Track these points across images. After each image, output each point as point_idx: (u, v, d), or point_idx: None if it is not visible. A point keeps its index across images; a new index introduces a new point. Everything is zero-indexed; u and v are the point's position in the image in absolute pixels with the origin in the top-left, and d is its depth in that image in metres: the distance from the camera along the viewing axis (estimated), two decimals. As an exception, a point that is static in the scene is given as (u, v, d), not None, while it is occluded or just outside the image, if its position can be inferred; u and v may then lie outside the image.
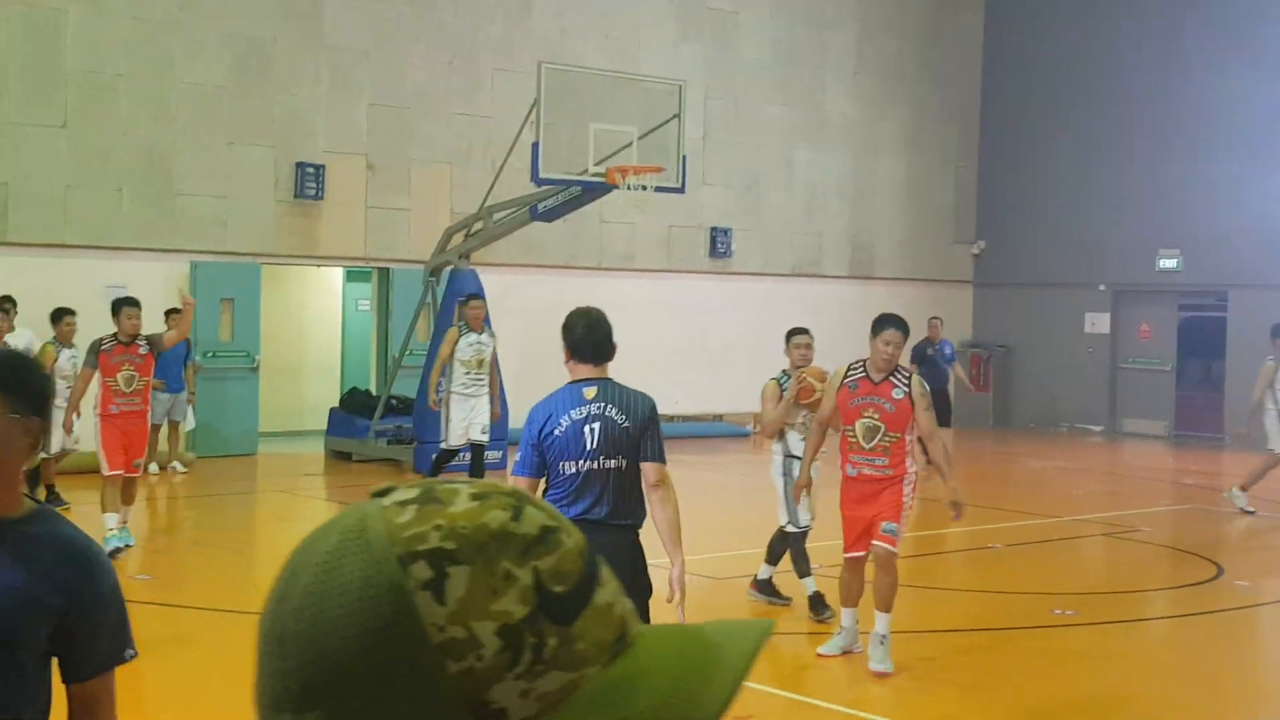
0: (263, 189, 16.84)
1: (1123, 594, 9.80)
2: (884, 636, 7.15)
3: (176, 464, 14.88)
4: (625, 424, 5.15)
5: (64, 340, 12.45)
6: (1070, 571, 10.92)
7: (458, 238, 16.22)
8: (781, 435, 8.78)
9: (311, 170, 17.06)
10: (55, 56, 15.48)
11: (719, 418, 20.60)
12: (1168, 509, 14.64)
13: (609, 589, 0.88)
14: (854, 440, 7.39)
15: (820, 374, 8.45)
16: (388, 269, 18.07)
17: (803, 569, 8.46)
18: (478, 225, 16.04)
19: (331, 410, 17.39)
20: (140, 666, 7.43)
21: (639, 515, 5.24)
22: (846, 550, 7.43)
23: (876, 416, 7.33)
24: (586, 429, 5.15)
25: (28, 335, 13.22)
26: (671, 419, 18.39)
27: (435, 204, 18.03)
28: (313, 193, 17.11)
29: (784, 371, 8.90)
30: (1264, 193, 20.76)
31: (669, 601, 5.14)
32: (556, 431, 5.22)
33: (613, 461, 5.15)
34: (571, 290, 19.75)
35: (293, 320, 19.68)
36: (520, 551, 0.85)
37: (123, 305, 10.57)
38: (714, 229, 21.33)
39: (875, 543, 7.20)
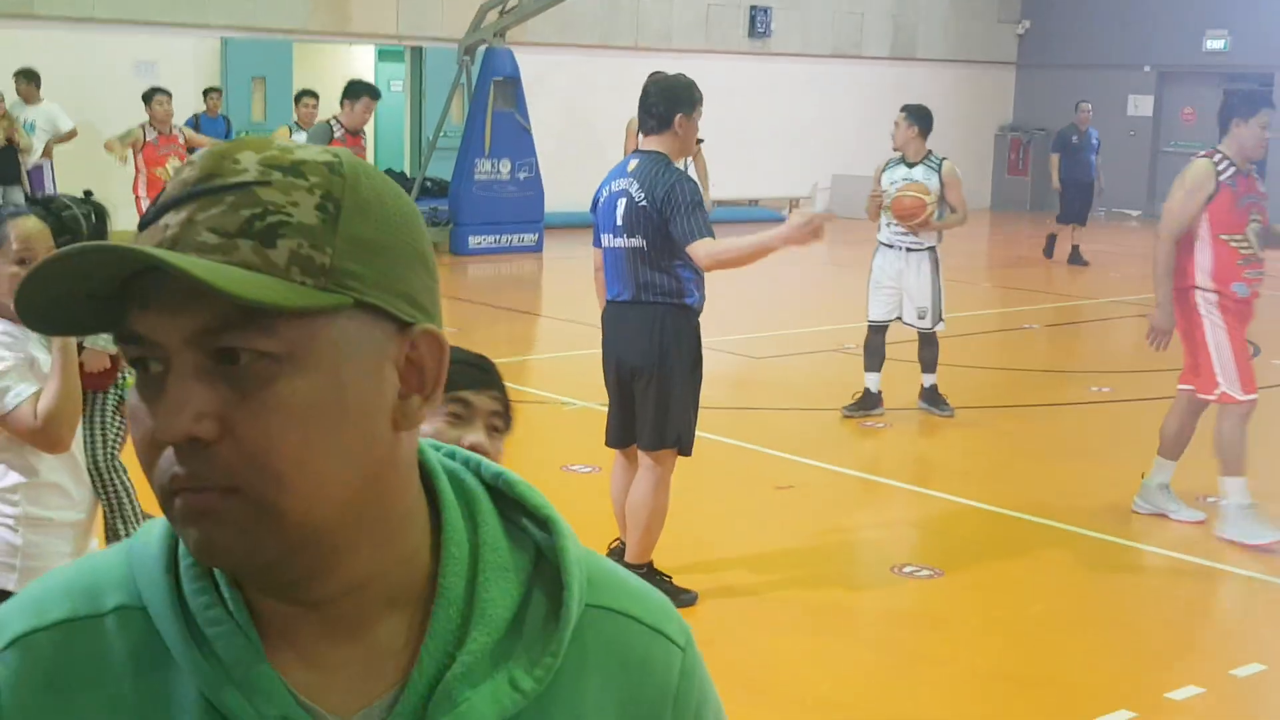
0: (294, -37, 16.50)
1: (1157, 372, 9.87)
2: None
3: None
4: (642, 202, 4.93)
5: (304, 123, 11.91)
6: (1106, 350, 10.97)
7: (492, 15, 15.92)
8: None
9: (346, -55, 16.68)
10: None
11: (754, 202, 20.48)
12: (1205, 292, 14.58)
13: None
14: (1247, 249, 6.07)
15: (921, 188, 7.80)
16: (420, 48, 17.79)
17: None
18: (512, 1, 15.72)
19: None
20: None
21: (676, 294, 4.99)
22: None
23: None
24: (618, 202, 5.02)
25: (54, 109, 13.18)
26: (717, 202, 18.30)
27: (469, -20, 17.64)
28: (345, -33, 16.76)
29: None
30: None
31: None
32: (600, 202, 5.18)
33: (634, 240, 4.98)
34: (606, 70, 19.51)
35: (326, 101, 19.49)
36: None
37: (155, 93, 10.36)
38: (753, 8, 20.84)
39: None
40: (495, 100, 15.71)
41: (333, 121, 10.29)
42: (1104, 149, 21.09)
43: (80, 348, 3.78)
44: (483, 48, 15.94)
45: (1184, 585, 5.68)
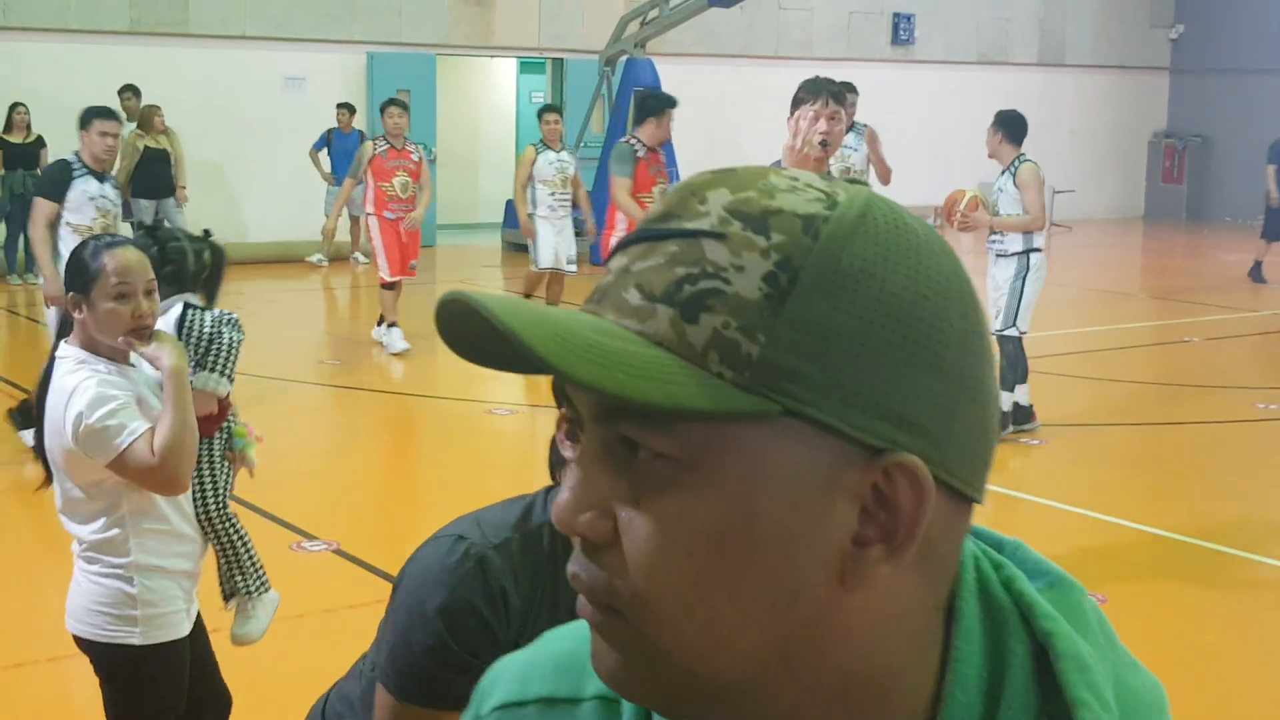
0: (437, -23, 16.69)
1: None
2: None
3: (359, 255, 15.04)
4: None
5: (550, 142, 10.87)
6: (1273, 365, 10.50)
7: (633, 26, 15.91)
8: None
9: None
10: None
11: (897, 211, 20.15)
12: None
13: None
14: None
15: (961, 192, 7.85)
16: (561, 60, 17.87)
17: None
18: (653, 12, 15.69)
19: (507, 202, 17.47)
20: (359, 449, 7.64)
21: None
22: None
23: None
24: None
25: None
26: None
27: (610, -8, 17.68)
28: (486, -19, 16.90)
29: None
30: None
31: None
32: None
33: None
34: (747, 80, 19.39)
35: (468, 113, 19.72)
36: None
37: (390, 104, 9.93)
38: (896, 14, 20.54)
39: None
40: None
41: (633, 141, 9.32)
42: (1262, 155, 20.17)
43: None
44: (623, 59, 15.93)
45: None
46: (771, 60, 19.45)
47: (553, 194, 10.54)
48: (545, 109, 11.24)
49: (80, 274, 2.95)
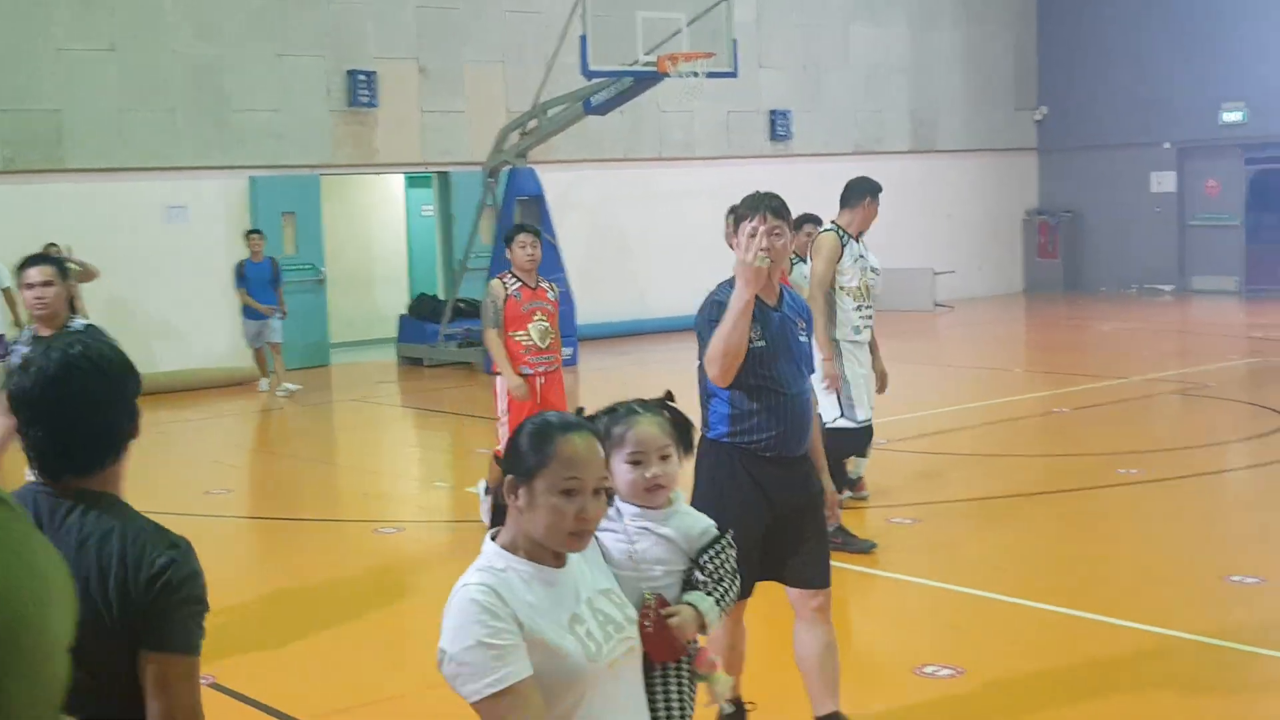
0: (316, 99, 16.97)
1: (1187, 450, 9.83)
2: None
3: (288, 385, 14.48)
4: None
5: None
6: (1136, 431, 10.94)
7: (514, 136, 16.29)
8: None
9: (364, 77, 17.15)
10: (103, -18, 15.61)
11: (785, 301, 20.63)
12: (1237, 364, 14.55)
13: None
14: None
15: None
16: (447, 172, 18.19)
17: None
18: (532, 123, 16.08)
19: (401, 317, 17.67)
20: (232, 580, 7.70)
21: (704, 424, 4.60)
22: None
23: None
24: None
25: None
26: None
27: (490, 104, 18.08)
28: (366, 100, 17.21)
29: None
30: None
31: None
32: None
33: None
34: (632, 182, 19.86)
35: (358, 230, 19.93)
36: None
37: (518, 232, 8.03)
38: (773, 112, 21.19)
39: None
40: (521, 219, 16.02)
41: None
42: (1130, 226, 20.98)
43: (651, 603, 2.83)
44: (506, 169, 16.29)
45: (1225, 677, 5.62)
46: (655, 162, 19.96)
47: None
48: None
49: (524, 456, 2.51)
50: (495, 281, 7.97)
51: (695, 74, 15.28)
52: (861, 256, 7.58)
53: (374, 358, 17.68)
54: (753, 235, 4.39)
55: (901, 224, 21.71)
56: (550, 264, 16.22)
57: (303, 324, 16.08)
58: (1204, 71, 21.73)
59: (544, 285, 7.95)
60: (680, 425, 3.06)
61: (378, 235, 20.39)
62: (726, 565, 3.00)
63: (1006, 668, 5.66)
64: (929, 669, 5.56)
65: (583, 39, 14.55)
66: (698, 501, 4.44)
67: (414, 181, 19.89)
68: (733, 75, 15.89)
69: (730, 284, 4.50)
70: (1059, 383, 13.41)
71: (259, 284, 14.41)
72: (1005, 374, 14.80)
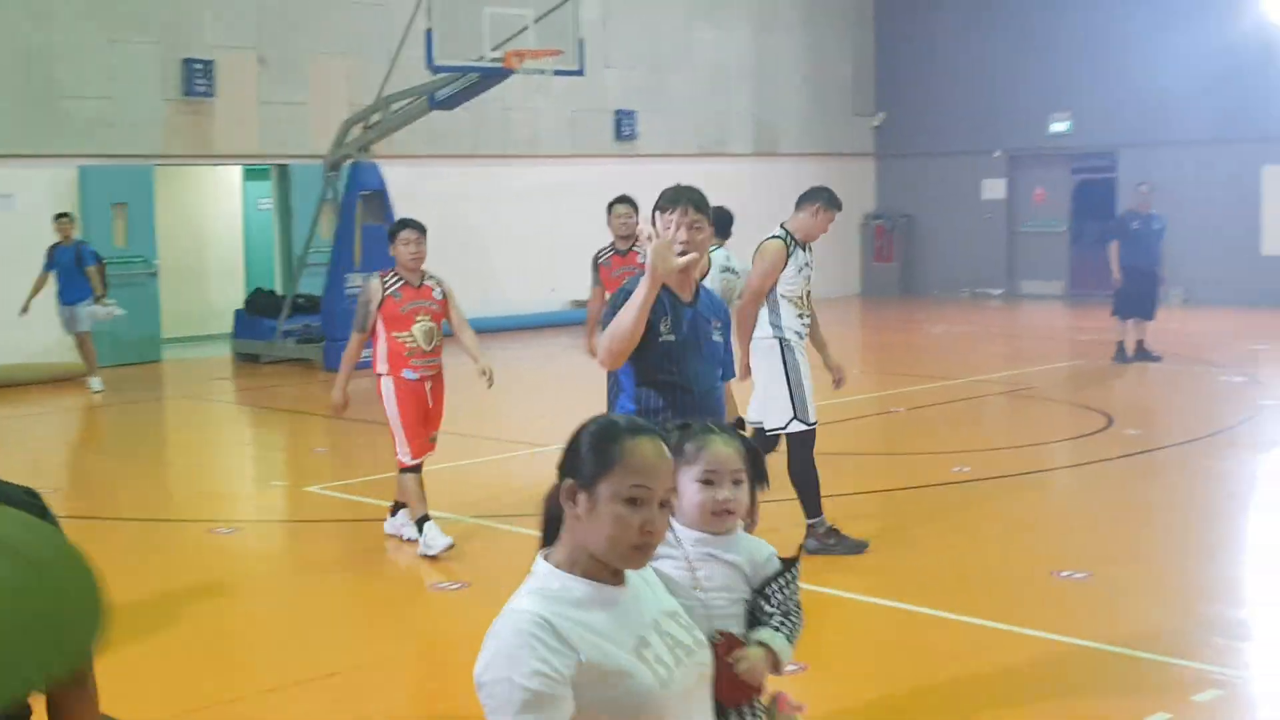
0: (150, 88, 16.49)
1: (1015, 449, 10.17)
2: None
3: (93, 381, 14.08)
4: None
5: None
6: (968, 431, 11.26)
7: (356, 130, 16.05)
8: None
9: (200, 66, 16.72)
10: (-77, -41, 14.94)
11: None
12: (1063, 365, 15.10)
13: None
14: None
15: None
16: (286, 165, 17.84)
17: None
18: (376, 116, 15.87)
19: (237, 312, 17.27)
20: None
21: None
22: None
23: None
24: None
25: None
26: (585, 303, 18.46)
27: (333, 96, 17.79)
28: (203, 89, 16.79)
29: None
30: (1150, 54, 21.08)
31: None
32: None
33: None
34: (476, 179, 19.73)
35: (192, 223, 19.43)
36: None
37: (402, 228, 7.54)
38: (618, 111, 21.28)
39: None
40: (363, 214, 15.80)
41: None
42: (962, 231, 21.62)
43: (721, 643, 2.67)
44: (348, 163, 16.04)
45: (1056, 670, 5.82)
46: (500, 159, 19.88)
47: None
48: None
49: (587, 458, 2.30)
50: (374, 279, 7.54)
51: (542, 71, 15.26)
52: (807, 264, 7.41)
53: (208, 354, 17.25)
54: (672, 228, 4.41)
55: (743, 226, 21.97)
56: (392, 259, 16.02)
57: (133, 318, 15.56)
58: (1034, 83, 22.49)
59: (429, 284, 7.50)
60: (754, 454, 2.87)
61: (213, 229, 19.91)
62: (794, 597, 2.85)
63: (846, 662, 5.78)
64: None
65: (428, 33, 14.41)
66: None
67: (252, 174, 19.47)
68: (579, 74, 15.91)
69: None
70: (894, 383, 13.74)
71: (66, 269, 13.89)
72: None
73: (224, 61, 16.98)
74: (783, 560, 2.87)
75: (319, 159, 16.75)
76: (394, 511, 7.74)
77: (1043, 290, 22.89)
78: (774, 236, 7.36)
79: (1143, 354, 14.49)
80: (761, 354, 7.25)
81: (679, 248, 4.33)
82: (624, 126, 21.36)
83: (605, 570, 2.28)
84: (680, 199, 4.48)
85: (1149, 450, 10.04)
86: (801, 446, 7.23)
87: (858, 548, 7.31)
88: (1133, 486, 9.05)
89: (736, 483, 2.79)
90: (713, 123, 22.62)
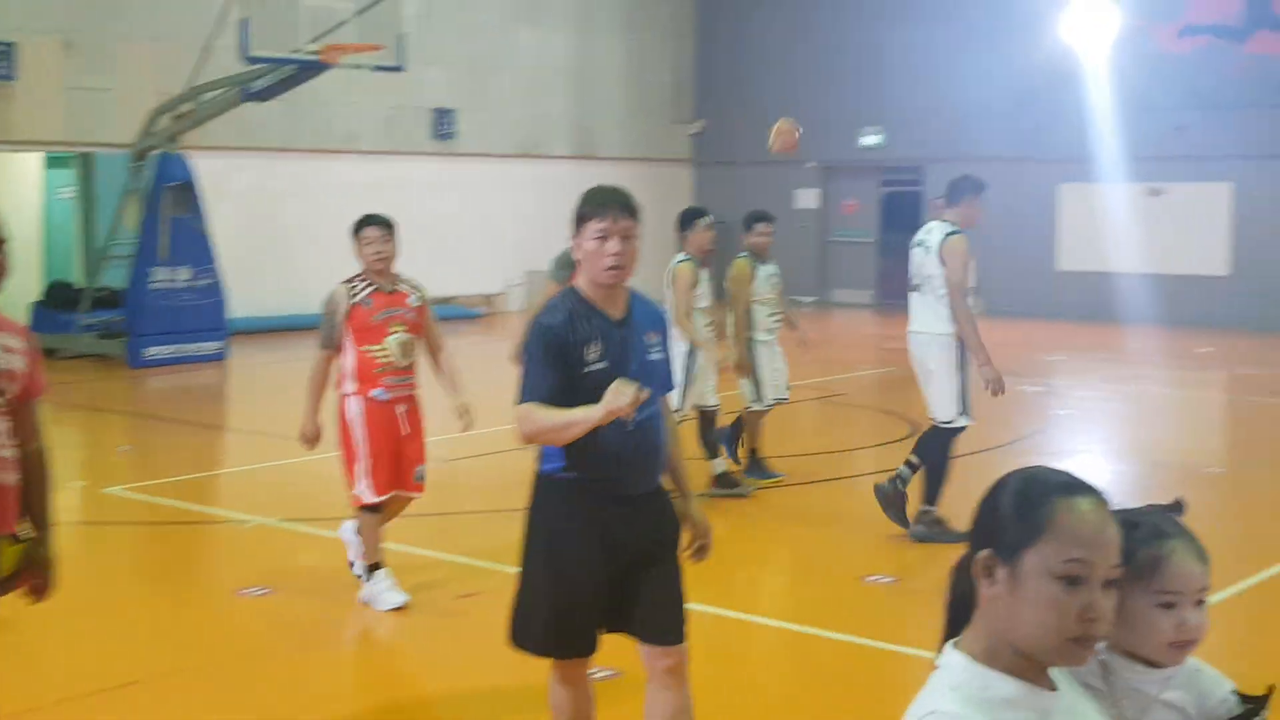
0: (-55, 69, 15.75)
1: (826, 454, 10.41)
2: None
3: None
4: None
5: (757, 252, 9.05)
6: (779, 437, 11.46)
7: (165, 120, 15.57)
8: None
9: (1, 49, 16.02)
10: None
11: (449, 300, 20.58)
12: (870, 373, 15.52)
13: None
14: None
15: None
16: (90, 154, 17.21)
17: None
18: (186, 106, 15.43)
19: (34, 305, 16.58)
20: None
21: (539, 456, 4.01)
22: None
23: None
24: None
25: None
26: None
27: (141, 84, 17.21)
28: (3, 72, 16.10)
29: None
30: (957, 73, 21.84)
31: None
32: None
33: None
34: (289, 174, 19.34)
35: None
36: None
37: (365, 225, 6.42)
38: (438, 109, 21.11)
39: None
40: (170, 206, 15.33)
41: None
42: (776, 239, 21.70)
43: None
44: (155, 153, 15.56)
45: (864, 673, 5.97)
46: (315, 154, 19.52)
47: (771, 314, 9.07)
48: (758, 218, 9.16)
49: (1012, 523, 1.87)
50: (339, 287, 6.35)
51: (360, 67, 15.05)
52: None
53: (3, 347, 16.49)
54: (601, 239, 3.73)
55: (561, 227, 22.03)
56: (201, 254, 15.63)
57: (-78, 309, 14.80)
58: (846, 97, 23.09)
59: (403, 288, 6.39)
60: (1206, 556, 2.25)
61: (10, 217, 18.99)
62: None
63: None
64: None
65: (244, 23, 14.08)
66: (529, 549, 3.94)
67: (54, 161, 18.71)
68: (399, 69, 15.75)
69: (571, 296, 3.86)
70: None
71: None
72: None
73: (27, 44, 16.29)
74: (1245, 699, 2.23)
75: (126, 148, 16.20)
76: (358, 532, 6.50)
77: (853, 299, 23.51)
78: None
79: None
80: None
81: (609, 260, 3.75)
82: (443, 125, 21.21)
83: (1033, 668, 1.85)
84: (608, 204, 3.79)
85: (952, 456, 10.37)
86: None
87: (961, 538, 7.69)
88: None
89: (1199, 603, 2.18)
90: (532, 124, 22.61)
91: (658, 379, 3.92)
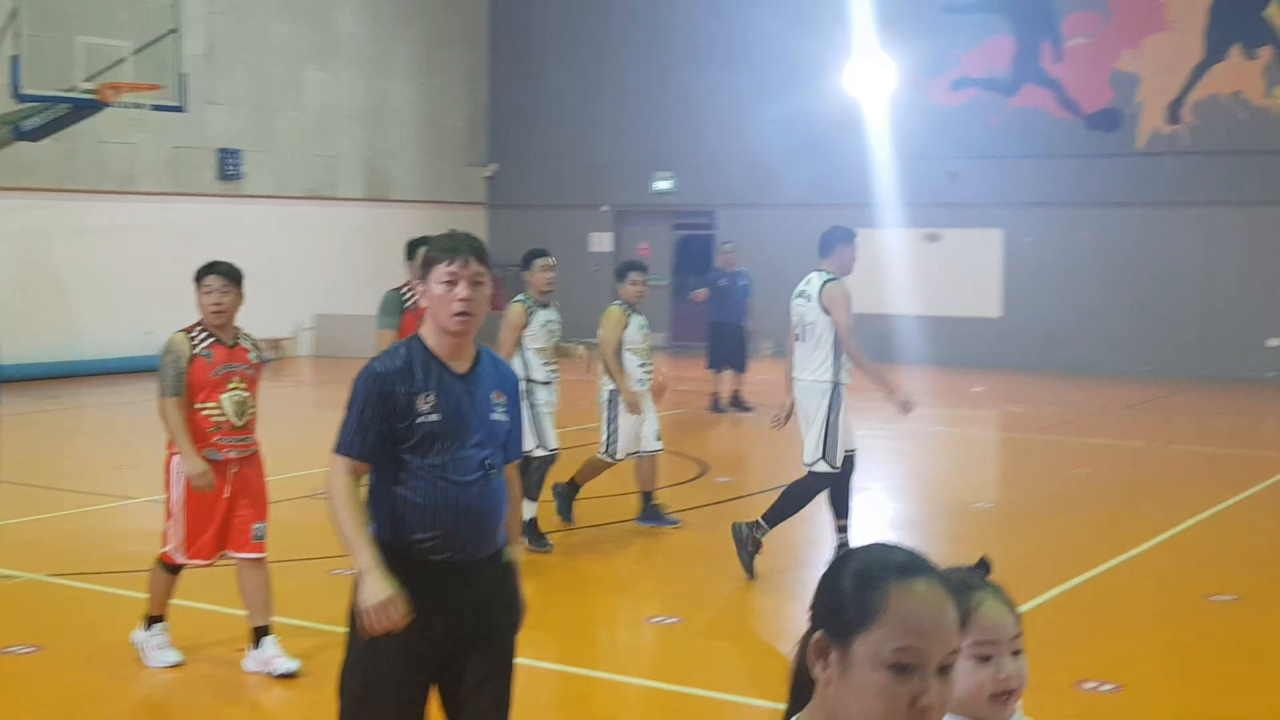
0: None
1: (614, 497, 10.49)
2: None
3: None
4: None
5: (630, 301, 9.24)
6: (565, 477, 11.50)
7: (-71, 158, 14.88)
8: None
9: None
10: None
11: (232, 345, 20.12)
12: (663, 415, 15.67)
13: None
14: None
15: None
16: None
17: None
18: (-50, 145, 14.77)
19: None
20: None
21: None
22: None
23: None
24: None
25: None
26: (181, 348, 17.79)
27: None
28: None
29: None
30: (746, 120, 22.41)
31: None
32: None
33: None
34: (65, 215, 18.64)
35: None
36: None
37: (206, 273, 6.14)
38: (223, 150, 20.65)
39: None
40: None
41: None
42: (570, 282, 21.85)
43: None
44: (-82, 193, 14.85)
45: (651, 715, 6.01)
46: (92, 194, 18.88)
47: (641, 365, 9.32)
48: (631, 267, 9.45)
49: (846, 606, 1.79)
50: (178, 335, 6.02)
51: (140, 105, 14.66)
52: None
53: None
54: (448, 284, 3.54)
55: (354, 270, 21.80)
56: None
57: None
58: (639, 142, 23.45)
59: (243, 343, 6.13)
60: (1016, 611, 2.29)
61: None
62: None
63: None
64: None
65: (15, 59, 13.58)
66: (351, 614, 3.57)
67: None
68: (181, 110, 15.40)
69: (413, 343, 3.65)
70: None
71: None
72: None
73: None
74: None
75: (-115, 187, 15.41)
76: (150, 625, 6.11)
77: (646, 341, 23.78)
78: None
79: (737, 404, 15.31)
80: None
81: (457, 306, 3.55)
82: (228, 165, 20.75)
83: None
84: (458, 248, 3.59)
85: (738, 497, 10.59)
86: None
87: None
88: (722, 532, 9.49)
89: (1016, 654, 2.21)
90: (322, 165, 22.32)
91: (497, 441, 3.69)
